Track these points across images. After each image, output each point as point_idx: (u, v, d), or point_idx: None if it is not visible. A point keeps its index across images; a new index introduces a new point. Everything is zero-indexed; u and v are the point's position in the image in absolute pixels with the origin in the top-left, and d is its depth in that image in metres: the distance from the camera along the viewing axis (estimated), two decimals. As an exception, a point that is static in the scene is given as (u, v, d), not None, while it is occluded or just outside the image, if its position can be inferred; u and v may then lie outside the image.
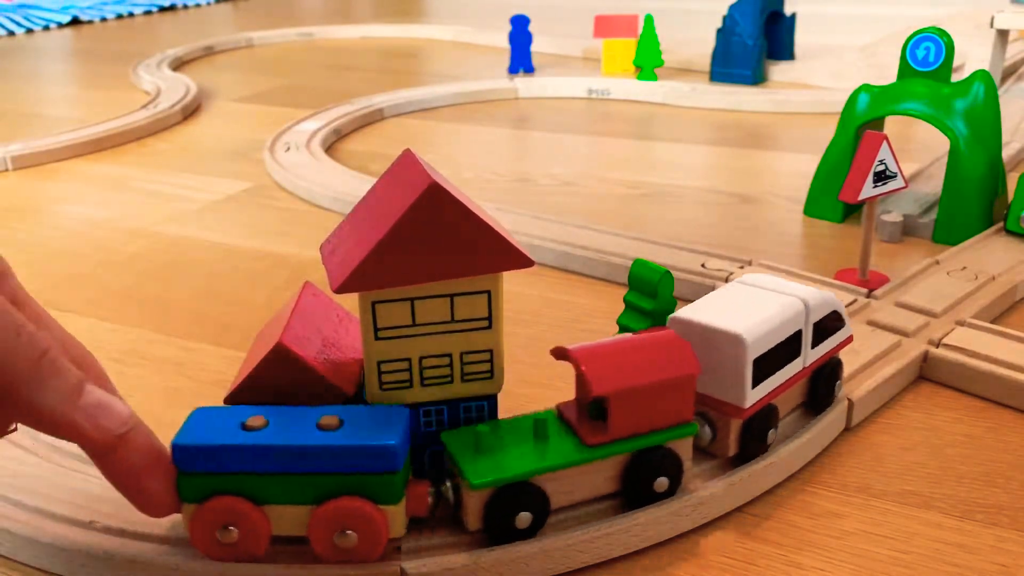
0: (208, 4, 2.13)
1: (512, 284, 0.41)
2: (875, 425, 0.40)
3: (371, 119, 0.98)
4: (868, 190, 0.51)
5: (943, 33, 0.60)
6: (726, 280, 0.51)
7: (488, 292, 0.31)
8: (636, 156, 0.86)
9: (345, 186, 0.71)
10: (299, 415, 0.30)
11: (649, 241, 0.58)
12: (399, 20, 1.79)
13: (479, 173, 0.79)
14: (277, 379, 0.32)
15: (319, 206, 0.70)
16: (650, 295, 0.38)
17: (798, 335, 0.35)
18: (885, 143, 0.51)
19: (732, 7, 1.09)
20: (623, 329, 0.39)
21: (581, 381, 0.33)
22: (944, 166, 0.63)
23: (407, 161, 0.32)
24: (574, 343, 0.32)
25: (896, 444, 0.39)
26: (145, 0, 1.98)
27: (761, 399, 0.34)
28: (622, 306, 0.39)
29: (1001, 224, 0.58)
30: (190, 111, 1.03)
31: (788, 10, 1.19)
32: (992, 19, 0.88)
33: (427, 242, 0.29)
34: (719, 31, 1.11)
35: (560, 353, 0.32)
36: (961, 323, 0.45)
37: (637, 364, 0.32)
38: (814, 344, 0.37)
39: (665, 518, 0.33)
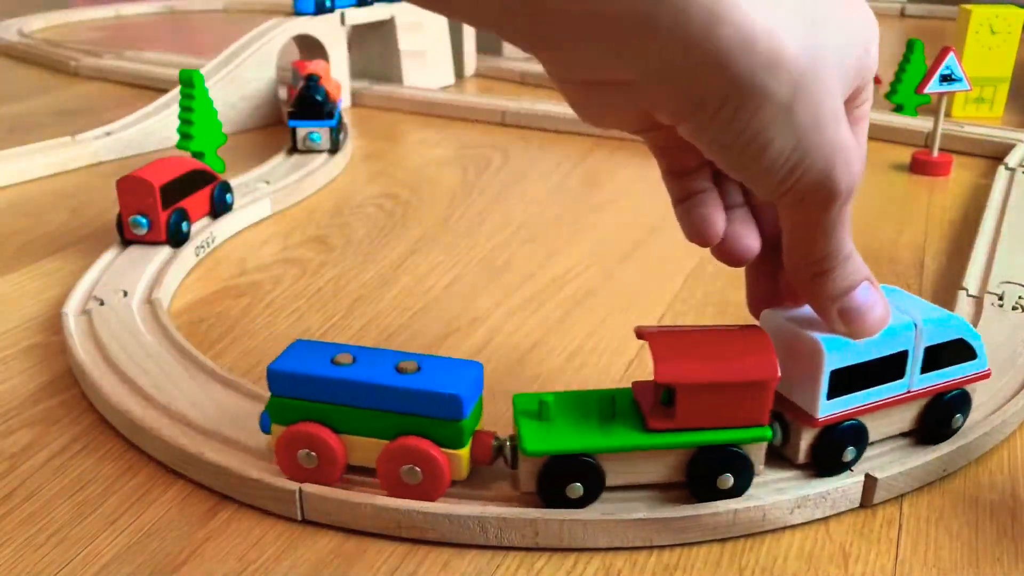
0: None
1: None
2: None
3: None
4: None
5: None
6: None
7: None
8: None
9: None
10: (384, 357, 0.33)
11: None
12: None
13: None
14: None
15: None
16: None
17: (902, 355, 0.34)
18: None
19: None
20: None
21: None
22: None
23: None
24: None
25: None
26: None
27: (840, 414, 0.33)
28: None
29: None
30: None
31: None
32: None
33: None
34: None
35: (640, 333, 0.33)
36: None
37: (714, 358, 0.32)
38: (925, 369, 0.35)
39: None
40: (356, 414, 0.32)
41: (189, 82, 0.67)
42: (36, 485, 0.36)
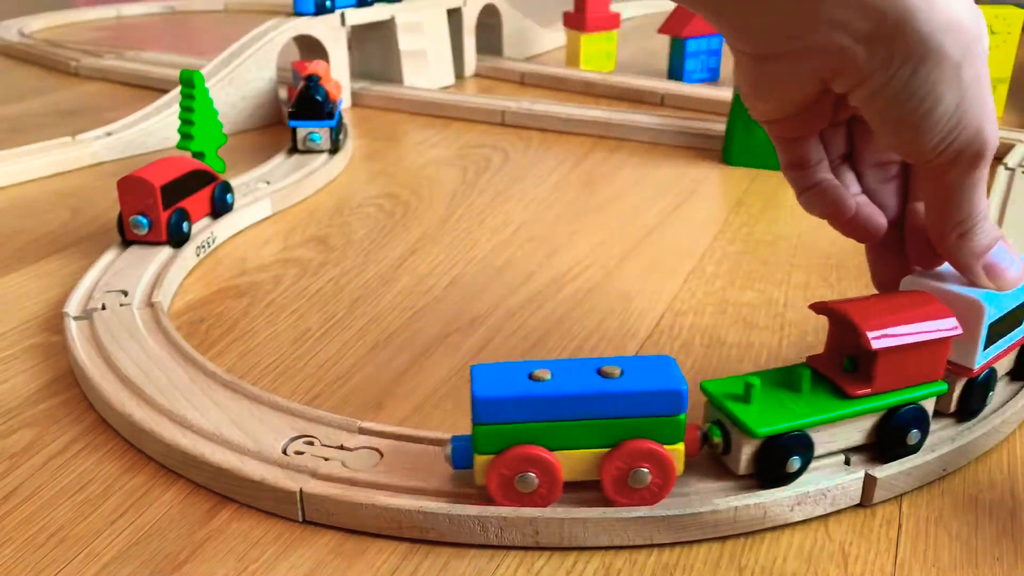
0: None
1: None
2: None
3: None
4: None
5: None
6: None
7: None
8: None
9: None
10: (580, 366, 0.32)
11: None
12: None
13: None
14: None
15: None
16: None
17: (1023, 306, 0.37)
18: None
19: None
20: None
21: (844, 334, 0.35)
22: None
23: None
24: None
25: None
26: None
27: (987, 362, 0.36)
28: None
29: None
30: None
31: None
32: None
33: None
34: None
35: (821, 307, 0.35)
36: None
37: (907, 321, 0.33)
38: None
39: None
40: (573, 428, 0.31)
41: (189, 82, 0.67)
42: (36, 485, 0.36)
